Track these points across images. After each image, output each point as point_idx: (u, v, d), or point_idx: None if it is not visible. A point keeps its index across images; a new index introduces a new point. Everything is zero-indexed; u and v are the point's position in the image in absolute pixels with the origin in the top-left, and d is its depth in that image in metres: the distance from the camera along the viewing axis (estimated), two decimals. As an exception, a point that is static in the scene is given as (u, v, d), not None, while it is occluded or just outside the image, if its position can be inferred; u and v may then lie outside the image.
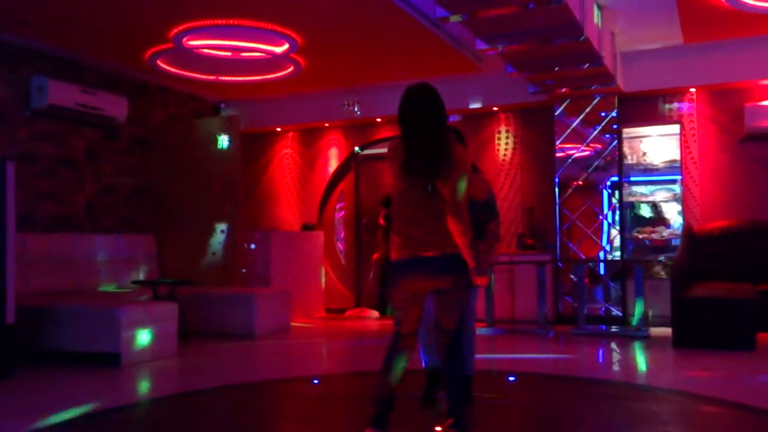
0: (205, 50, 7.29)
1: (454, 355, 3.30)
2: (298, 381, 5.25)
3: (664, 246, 8.00)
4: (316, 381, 5.23)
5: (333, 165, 9.87)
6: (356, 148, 9.72)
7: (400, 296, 3.32)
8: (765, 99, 7.66)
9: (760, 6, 6.41)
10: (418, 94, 3.35)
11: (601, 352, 6.47)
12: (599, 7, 6.63)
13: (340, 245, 10.13)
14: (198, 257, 8.27)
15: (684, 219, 7.82)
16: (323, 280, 9.52)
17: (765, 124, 7.52)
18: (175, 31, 6.73)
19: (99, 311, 5.87)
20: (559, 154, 8.25)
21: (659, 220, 8.10)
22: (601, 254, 8.12)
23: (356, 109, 9.00)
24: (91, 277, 7.39)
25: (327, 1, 6.02)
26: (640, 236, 8.11)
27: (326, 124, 9.79)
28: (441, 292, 3.29)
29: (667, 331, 6.71)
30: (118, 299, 6.75)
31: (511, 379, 5.13)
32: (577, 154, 8.18)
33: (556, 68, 7.07)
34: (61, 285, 7.01)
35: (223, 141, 8.33)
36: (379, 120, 9.38)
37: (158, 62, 7.77)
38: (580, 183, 8.15)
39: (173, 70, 8.08)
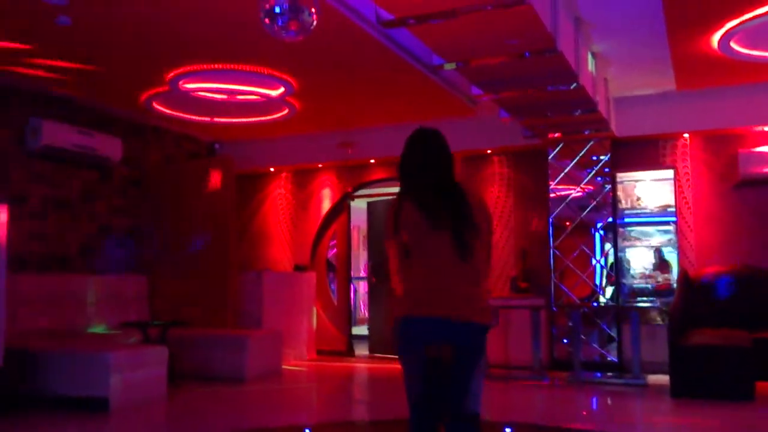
0: (201, 93, 7.30)
1: None
2: (288, 431, 5.13)
3: (659, 291, 7.95)
4: (307, 431, 5.12)
5: (326, 206, 9.84)
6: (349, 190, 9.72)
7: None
8: (759, 145, 7.70)
9: (753, 55, 6.48)
10: (432, 138, 2.99)
11: (599, 402, 6.38)
12: (593, 54, 6.69)
13: (332, 286, 10.08)
14: (189, 298, 8.17)
15: (679, 264, 7.79)
16: (315, 321, 9.41)
17: (759, 170, 7.56)
18: (172, 74, 6.74)
19: (88, 355, 5.76)
20: (552, 196, 8.26)
21: (655, 264, 8.07)
22: (597, 298, 8.05)
23: (350, 151, 9.04)
24: (81, 318, 7.27)
25: (323, 47, 6.05)
26: (636, 281, 8.07)
27: (319, 165, 9.79)
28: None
29: (664, 378, 6.63)
30: (108, 342, 6.64)
31: (508, 430, 5.04)
32: (572, 195, 8.18)
33: (549, 114, 7.10)
34: (49, 325, 6.88)
35: (217, 182, 8.30)
36: (372, 161, 9.39)
37: (154, 104, 7.77)
38: (573, 225, 8.10)
39: (169, 111, 8.09)
